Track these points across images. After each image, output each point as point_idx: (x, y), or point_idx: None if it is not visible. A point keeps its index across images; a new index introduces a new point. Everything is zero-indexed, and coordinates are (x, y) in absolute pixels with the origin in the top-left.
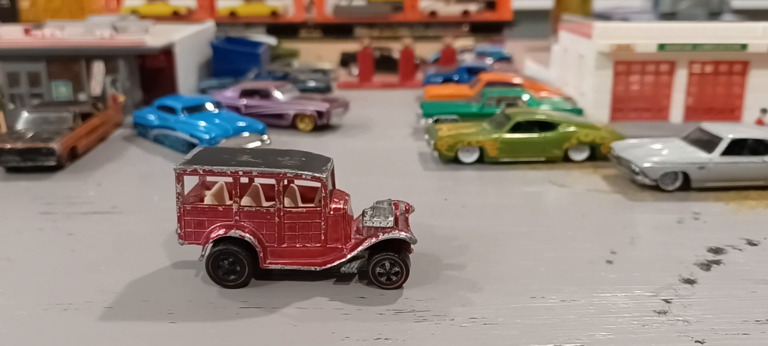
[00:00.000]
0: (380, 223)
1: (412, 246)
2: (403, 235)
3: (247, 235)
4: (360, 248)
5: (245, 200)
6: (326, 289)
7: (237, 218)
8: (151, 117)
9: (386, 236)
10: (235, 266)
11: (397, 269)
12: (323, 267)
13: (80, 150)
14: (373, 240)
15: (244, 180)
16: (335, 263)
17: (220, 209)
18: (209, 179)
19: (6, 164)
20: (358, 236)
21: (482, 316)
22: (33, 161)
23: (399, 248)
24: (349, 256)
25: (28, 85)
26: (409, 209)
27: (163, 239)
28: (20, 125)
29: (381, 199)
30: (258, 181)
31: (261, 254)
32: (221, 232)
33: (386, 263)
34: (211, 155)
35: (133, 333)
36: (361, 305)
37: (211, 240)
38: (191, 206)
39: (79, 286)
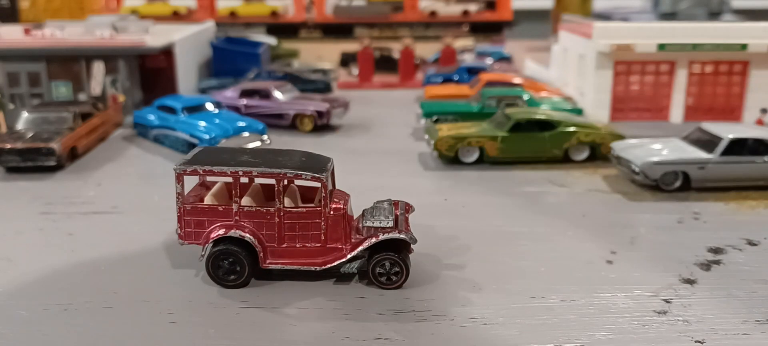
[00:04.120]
0: (380, 223)
1: (412, 246)
2: (403, 235)
3: (247, 235)
4: (360, 248)
5: (245, 200)
6: (326, 289)
7: (237, 218)
8: (151, 117)
9: (386, 236)
10: (235, 266)
11: (397, 269)
12: (323, 267)
13: (80, 150)
14: (373, 240)
15: (244, 180)
16: (335, 263)
17: (220, 209)
18: (209, 179)
19: (6, 164)
20: (358, 236)
21: (482, 316)
22: (33, 161)
23: (399, 248)
24: (349, 256)
25: (28, 85)
26: (409, 209)
27: (163, 239)
28: (20, 125)
29: (381, 199)
30: (258, 181)
31: (261, 254)
32: (221, 232)
33: (386, 263)
34: (211, 155)
35: (133, 333)
36: (361, 305)
37: (211, 240)
38: (191, 206)
39: (79, 286)
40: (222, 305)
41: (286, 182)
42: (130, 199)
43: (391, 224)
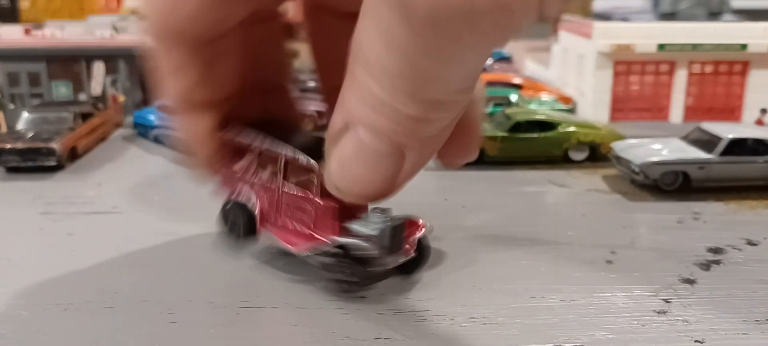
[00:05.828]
0: (365, 232)
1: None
2: (361, 250)
3: (255, 202)
4: (326, 247)
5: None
6: (326, 289)
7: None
8: (152, 117)
9: (358, 253)
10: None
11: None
12: (302, 252)
13: (80, 150)
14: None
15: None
16: (310, 252)
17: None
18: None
19: (6, 164)
20: (344, 236)
21: (482, 316)
22: (33, 161)
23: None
24: (319, 249)
25: (28, 85)
26: (420, 228)
27: (163, 239)
28: (20, 125)
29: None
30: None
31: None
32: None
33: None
34: None
35: (133, 333)
36: (361, 305)
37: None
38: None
39: (79, 286)
40: (222, 305)
41: (284, 161)
42: (130, 199)
43: (375, 233)
